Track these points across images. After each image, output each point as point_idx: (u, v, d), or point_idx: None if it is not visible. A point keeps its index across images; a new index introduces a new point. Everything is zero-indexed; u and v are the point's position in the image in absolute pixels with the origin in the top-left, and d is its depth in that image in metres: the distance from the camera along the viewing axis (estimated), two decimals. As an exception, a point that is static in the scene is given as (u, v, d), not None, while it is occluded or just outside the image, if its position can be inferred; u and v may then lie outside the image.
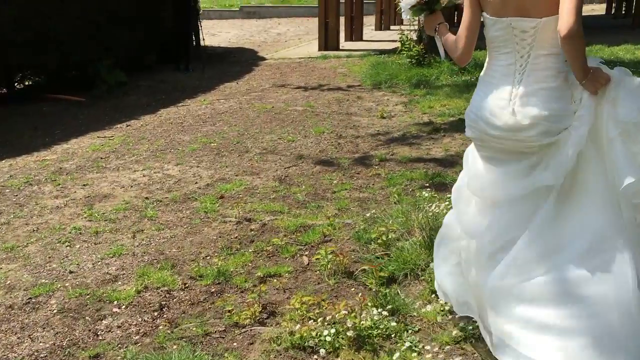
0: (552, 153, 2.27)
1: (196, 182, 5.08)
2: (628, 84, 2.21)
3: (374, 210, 4.17)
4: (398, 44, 10.08)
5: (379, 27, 17.23)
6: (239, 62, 12.68)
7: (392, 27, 17.30)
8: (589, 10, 20.00)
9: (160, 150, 6.12)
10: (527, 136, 2.27)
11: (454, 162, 5.32)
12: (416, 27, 9.94)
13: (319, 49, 13.41)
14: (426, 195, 4.38)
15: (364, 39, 15.16)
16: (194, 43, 11.79)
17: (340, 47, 13.66)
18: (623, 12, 17.25)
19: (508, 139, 2.32)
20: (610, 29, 14.05)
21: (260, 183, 5.00)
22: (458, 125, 6.44)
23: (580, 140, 2.21)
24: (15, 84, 10.15)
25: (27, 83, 10.47)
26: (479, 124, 2.39)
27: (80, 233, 4.13)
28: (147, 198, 4.74)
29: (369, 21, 18.59)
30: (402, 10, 2.58)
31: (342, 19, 14.82)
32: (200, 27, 11.53)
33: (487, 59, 2.43)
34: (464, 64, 2.48)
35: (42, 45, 8.89)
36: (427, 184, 4.69)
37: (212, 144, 6.22)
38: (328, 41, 13.44)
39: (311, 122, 6.97)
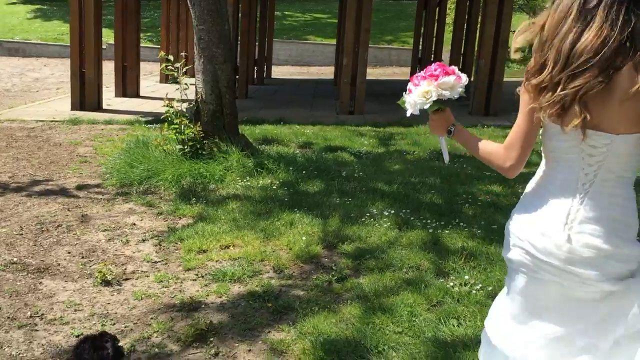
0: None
1: None
2: None
3: None
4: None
5: (165, 78, 13.79)
6: (-62, 124, 8.46)
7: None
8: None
9: None
10: (584, 273, 1.74)
11: None
12: (191, 94, 6.54)
13: (72, 108, 9.68)
14: None
15: (141, 94, 11.66)
16: None
17: (105, 106, 10.04)
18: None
19: (562, 270, 1.77)
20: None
21: None
22: (235, 317, 3.23)
23: None
24: None
25: None
26: (525, 245, 1.84)
27: None
28: None
29: (156, 69, 15.13)
30: (410, 107, 1.90)
31: (113, 67, 11.26)
32: None
33: (543, 165, 1.89)
34: (513, 176, 1.88)
35: None
36: None
37: None
38: (85, 98, 9.75)
39: (-57, 302, 3.31)
